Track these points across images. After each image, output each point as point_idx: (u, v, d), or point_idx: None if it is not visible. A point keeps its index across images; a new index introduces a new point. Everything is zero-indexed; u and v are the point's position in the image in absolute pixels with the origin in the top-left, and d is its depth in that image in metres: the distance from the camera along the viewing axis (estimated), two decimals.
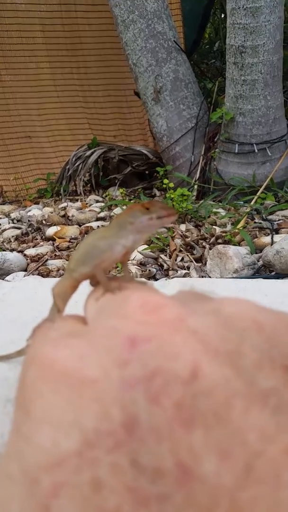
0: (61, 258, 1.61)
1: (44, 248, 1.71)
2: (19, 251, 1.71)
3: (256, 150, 2.26)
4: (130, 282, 0.29)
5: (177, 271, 1.45)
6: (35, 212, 2.32)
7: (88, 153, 2.72)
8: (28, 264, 1.58)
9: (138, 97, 2.72)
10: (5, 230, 2.01)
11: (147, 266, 1.50)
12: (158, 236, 1.67)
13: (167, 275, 1.44)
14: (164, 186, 2.28)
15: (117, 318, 0.20)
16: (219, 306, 0.19)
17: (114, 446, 0.15)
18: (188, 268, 1.47)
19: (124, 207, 2.15)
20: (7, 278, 1.44)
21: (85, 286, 0.48)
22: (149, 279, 1.41)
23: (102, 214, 2.16)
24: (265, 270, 1.40)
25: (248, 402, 0.15)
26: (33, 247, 1.77)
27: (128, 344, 0.17)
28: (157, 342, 0.17)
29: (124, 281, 0.29)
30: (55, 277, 1.44)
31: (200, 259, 1.54)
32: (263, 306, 0.20)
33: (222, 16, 4.48)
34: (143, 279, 0.35)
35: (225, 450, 0.14)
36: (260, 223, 1.83)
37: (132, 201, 2.37)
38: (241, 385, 0.15)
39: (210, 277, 1.38)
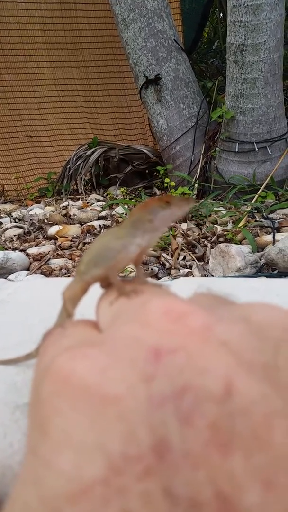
0: (63, 257, 1.62)
1: (46, 247, 1.71)
2: (21, 250, 1.71)
3: (257, 149, 2.27)
4: (145, 284, 0.27)
5: (179, 270, 1.45)
6: (37, 211, 2.33)
7: (89, 152, 2.72)
8: (30, 263, 1.58)
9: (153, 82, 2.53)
10: (7, 229, 2.01)
11: (149, 265, 1.50)
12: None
13: (169, 274, 1.45)
14: (165, 185, 2.29)
15: (137, 326, 0.18)
16: (248, 313, 0.18)
17: (144, 473, 0.13)
18: (191, 267, 1.48)
19: (126, 206, 2.15)
20: (10, 277, 1.45)
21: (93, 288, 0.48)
22: (151, 278, 1.42)
23: (103, 213, 2.16)
24: (267, 269, 1.40)
25: None
26: (35, 246, 1.77)
27: (153, 356, 0.16)
28: (185, 354, 0.16)
29: (139, 284, 0.27)
30: (57, 276, 1.44)
31: (202, 258, 1.55)
32: None
33: (221, 15, 4.48)
34: (157, 281, 0.33)
35: (269, 478, 0.13)
36: (261, 221, 1.83)
37: (133, 200, 2.37)
38: (281, 403, 0.14)
39: (212, 275, 1.39)
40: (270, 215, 1.92)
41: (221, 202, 2.19)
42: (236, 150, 2.30)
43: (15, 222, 2.16)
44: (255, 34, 2.08)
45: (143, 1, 2.40)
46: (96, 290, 0.51)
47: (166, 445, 0.14)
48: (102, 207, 2.29)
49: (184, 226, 1.85)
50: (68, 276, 1.44)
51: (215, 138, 2.49)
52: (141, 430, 0.14)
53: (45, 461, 0.15)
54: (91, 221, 2.05)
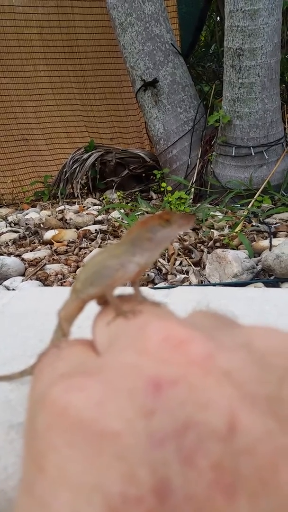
0: (59, 262, 1.61)
1: (42, 252, 1.70)
2: (16, 255, 1.70)
3: (253, 153, 2.27)
4: (143, 303, 0.26)
5: (176, 275, 1.45)
6: (33, 215, 2.31)
7: (85, 156, 2.72)
8: (26, 269, 1.57)
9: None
10: (2, 233, 2.00)
11: (146, 270, 1.49)
12: None
13: (165, 279, 1.44)
14: (162, 189, 2.28)
15: (135, 353, 0.17)
16: (249, 338, 0.17)
17: None
18: (187, 272, 1.47)
19: (122, 210, 2.14)
20: (5, 283, 1.43)
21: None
22: (148, 284, 1.41)
23: (99, 217, 2.15)
24: (264, 274, 1.40)
25: None
26: (30, 251, 1.76)
27: (152, 388, 0.15)
28: (186, 386, 0.15)
29: (136, 302, 0.26)
30: (53, 281, 1.43)
31: (199, 263, 1.54)
32: None
33: (218, 18, 4.49)
34: (156, 300, 0.32)
35: None
36: (258, 226, 1.83)
37: (129, 204, 2.36)
38: (286, 440, 0.13)
39: (209, 281, 1.38)
40: (267, 220, 1.92)
41: (217, 207, 2.19)
42: (233, 154, 2.30)
43: (11, 226, 2.15)
44: (253, 39, 2.08)
45: (140, 5, 2.40)
46: (93, 302, 0.49)
47: (167, 487, 0.13)
48: (98, 211, 2.28)
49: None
50: (64, 282, 1.43)
51: (212, 142, 2.49)
52: (141, 470, 0.13)
53: (41, 501, 0.14)
54: (87, 226, 2.04)
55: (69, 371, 0.18)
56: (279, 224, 1.85)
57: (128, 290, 0.48)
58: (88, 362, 0.20)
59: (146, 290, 0.50)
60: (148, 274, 1.45)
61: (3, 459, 0.31)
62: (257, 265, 1.43)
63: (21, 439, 0.31)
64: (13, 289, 1.42)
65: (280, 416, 0.14)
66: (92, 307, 0.48)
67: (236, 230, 1.75)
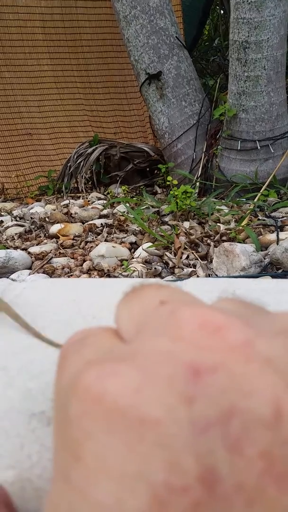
0: (66, 256, 1.60)
1: (48, 246, 1.70)
2: (23, 249, 1.70)
3: (259, 147, 2.26)
4: (168, 289, 0.23)
5: (183, 269, 1.44)
6: (38, 209, 2.31)
7: (90, 150, 2.70)
8: (32, 262, 1.57)
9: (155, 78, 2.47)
10: (8, 227, 1.99)
11: (153, 264, 1.49)
12: (163, 234, 1.66)
13: (173, 273, 1.44)
14: (168, 183, 2.27)
15: (170, 340, 0.16)
16: (285, 325, 0.16)
17: (193, 507, 0.12)
18: (194, 266, 1.47)
19: (127, 204, 2.14)
20: (12, 276, 1.43)
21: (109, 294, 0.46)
22: (155, 277, 1.41)
23: (105, 212, 2.15)
24: (272, 268, 1.39)
25: None
26: (36, 245, 1.76)
27: (192, 374, 0.14)
28: (226, 373, 0.14)
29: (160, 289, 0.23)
30: (60, 275, 1.43)
31: (206, 257, 1.53)
32: None
33: (222, 12, 4.46)
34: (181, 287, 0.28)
35: None
36: (264, 220, 1.82)
37: (134, 198, 2.36)
38: None
39: (217, 275, 1.37)
40: (273, 214, 1.91)
41: (223, 201, 2.18)
42: (238, 148, 2.29)
43: (16, 220, 2.15)
44: (259, 31, 2.06)
45: None
46: (106, 293, 0.49)
47: (215, 476, 0.12)
48: (103, 205, 2.28)
49: (186, 224, 1.83)
50: (71, 275, 1.42)
51: (217, 136, 2.48)
52: (186, 458, 0.13)
53: (80, 490, 0.13)
54: (92, 220, 2.04)
55: (98, 358, 0.17)
56: (285, 217, 1.84)
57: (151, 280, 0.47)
58: (117, 349, 0.19)
59: (162, 281, 0.49)
60: (155, 268, 1.44)
61: (27, 447, 0.30)
62: (264, 258, 1.43)
63: (43, 427, 0.30)
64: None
65: None
66: (107, 296, 0.48)
67: (242, 223, 1.74)
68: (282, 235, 1.59)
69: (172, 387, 0.14)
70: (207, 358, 0.15)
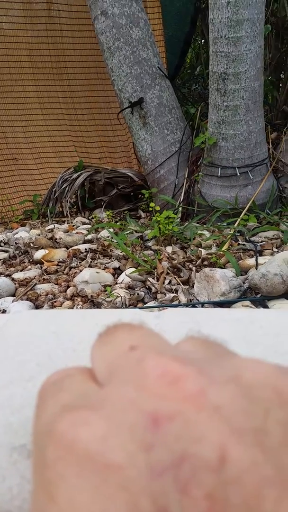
0: (50, 282, 1.62)
1: (32, 272, 1.71)
2: (6, 275, 1.71)
3: (238, 174, 2.33)
4: (140, 331, 0.26)
5: (165, 294, 1.47)
6: (22, 234, 2.33)
7: (75, 175, 2.75)
8: (16, 289, 1.58)
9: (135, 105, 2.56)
10: None
11: (136, 289, 1.52)
12: (146, 259, 1.70)
13: (155, 298, 1.46)
14: (150, 209, 2.32)
15: (135, 389, 0.18)
16: (239, 372, 0.18)
17: None
18: (176, 291, 1.50)
19: (111, 229, 2.17)
20: None
21: (90, 328, 0.48)
22: (137, 303, 1.43)
23: (89, 237, 2.18)
24: (251, 293, 1.43)
25: (279, 491, 0.14)
26: (21, 270, 1.77)
27: (151, 423, 0.16)
28: (182, 421, 0.16)
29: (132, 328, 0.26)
30: (44, 302, 1.45)
31: (187, 282, 1.57)
32: (283, 368, 0.19)
33: (203, 41, 4.62)
34: (152, 328, 0.31)
35: None
36: (244, 244, 1.87)
37: (118, 223, 2.40)
38: (270, 471, 0.14)
39: (198, 299, 1.41)
40: (253, 238, 1.97)
41: (205, 226, 2.23)
42: (219, 174, 2.35)
43: (1, 246, 2.16)
44: (236, 64, 2.15)
45: (128, 30, 2.48)
46: (86, 325, 0.52)
47: None
48: (88, 230, 2.31)
49: (169, 249, 1.87)
50: (55, 302, 1.44)
51: (198, 163, 2.55)
52: (143, 499, 0.14)
53: None
54: (77, 245, 2.06)
55: (72, 403, 0.20)
56: (264, 242, 1.89)
57: (127, 314, 0.49)
58: (90, 394, 0.21)
59: (140, 313, 0.53)
60: (138, 293, 1.47)
61: (8, 480, 0.32)
62: (244, 283, 1.47)
63: (24, 460, 0.32)
64: (4, 310, 1.43)
65: (264, 447, 0.15)
66: (87, 328, 0.50)
67: (223, 248, 1.79)
68: (261, 259, 1.64)
69: (133, 435, 0.16)
70: (165, 406, 0.17)
